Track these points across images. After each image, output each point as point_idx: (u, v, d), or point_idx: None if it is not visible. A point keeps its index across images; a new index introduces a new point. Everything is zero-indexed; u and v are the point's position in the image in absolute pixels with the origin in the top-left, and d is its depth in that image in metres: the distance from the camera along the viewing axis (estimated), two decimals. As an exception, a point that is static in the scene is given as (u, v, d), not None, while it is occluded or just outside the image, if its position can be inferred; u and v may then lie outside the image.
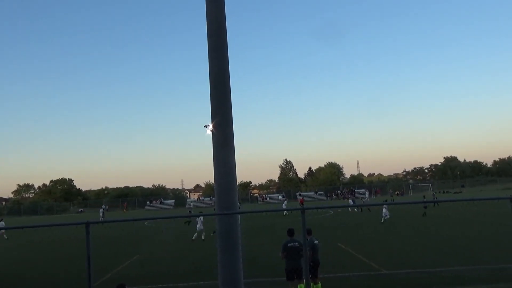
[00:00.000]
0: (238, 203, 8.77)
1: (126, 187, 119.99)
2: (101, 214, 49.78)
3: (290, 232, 10.74)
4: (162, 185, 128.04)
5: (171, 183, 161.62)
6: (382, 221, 30.40)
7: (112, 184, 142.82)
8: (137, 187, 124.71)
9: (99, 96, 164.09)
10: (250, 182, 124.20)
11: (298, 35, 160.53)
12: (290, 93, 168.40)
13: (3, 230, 30.60)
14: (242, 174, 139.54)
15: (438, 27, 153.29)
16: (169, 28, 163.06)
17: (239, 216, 8.38)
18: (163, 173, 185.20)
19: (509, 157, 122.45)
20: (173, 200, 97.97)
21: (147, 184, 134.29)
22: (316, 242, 11.24)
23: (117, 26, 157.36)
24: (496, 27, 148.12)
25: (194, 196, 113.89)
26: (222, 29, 8.31)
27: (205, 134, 8.20)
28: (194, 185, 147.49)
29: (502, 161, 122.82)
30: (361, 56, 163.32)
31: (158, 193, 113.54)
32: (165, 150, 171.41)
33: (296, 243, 10.41)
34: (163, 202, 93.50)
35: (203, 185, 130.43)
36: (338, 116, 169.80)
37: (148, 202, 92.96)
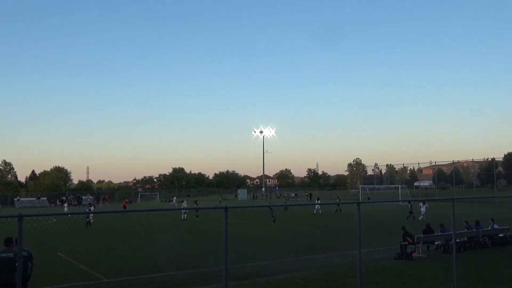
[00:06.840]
0: None
1: None
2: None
3: (7, 242, 9.63)
4: None
5: None
6: (420, 218, 31.90)
7: None
8: None
9: None
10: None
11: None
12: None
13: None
14: None
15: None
16: None
17: None
18: None
19: (227, 171, 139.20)
20: None
21: None
22: (24, 253, 10.36)
23: None
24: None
25: None
26: None
27: None
28: None
29: (221, 174, 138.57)
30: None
31: None
32: None
33: (11, 254, 9.32)
34: None
35: None
36: (61, 117, 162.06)
37: None
